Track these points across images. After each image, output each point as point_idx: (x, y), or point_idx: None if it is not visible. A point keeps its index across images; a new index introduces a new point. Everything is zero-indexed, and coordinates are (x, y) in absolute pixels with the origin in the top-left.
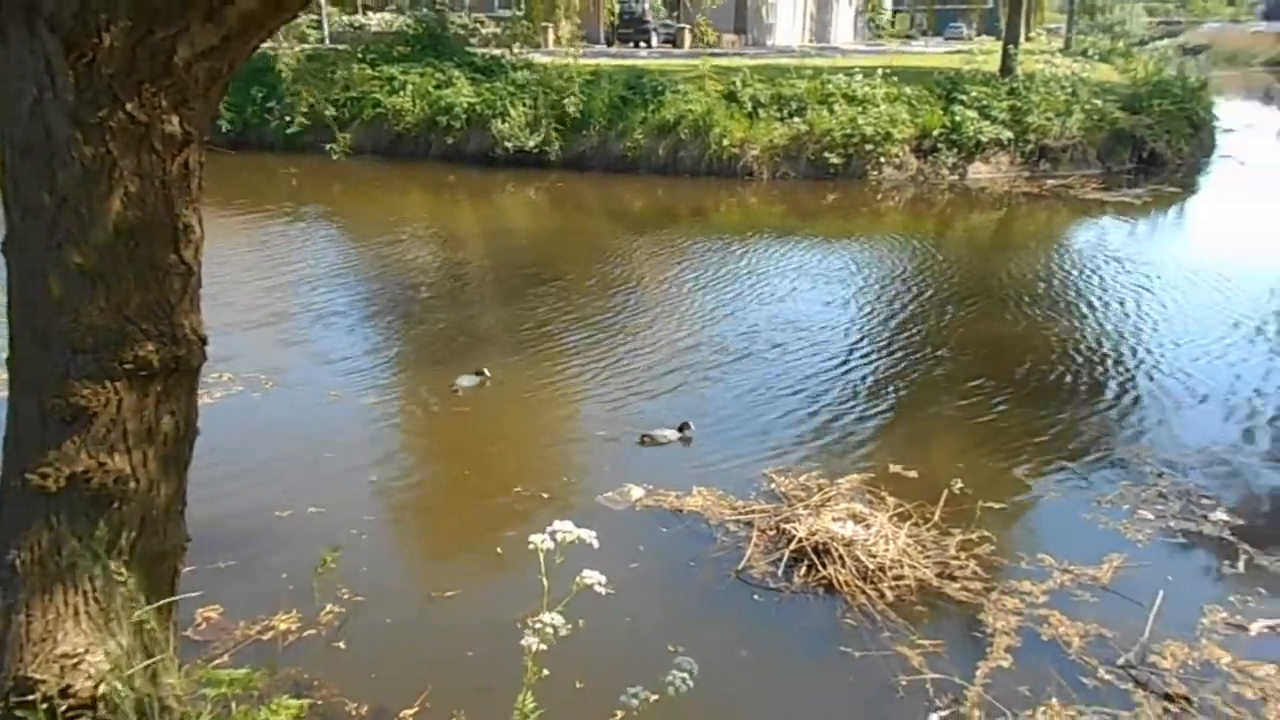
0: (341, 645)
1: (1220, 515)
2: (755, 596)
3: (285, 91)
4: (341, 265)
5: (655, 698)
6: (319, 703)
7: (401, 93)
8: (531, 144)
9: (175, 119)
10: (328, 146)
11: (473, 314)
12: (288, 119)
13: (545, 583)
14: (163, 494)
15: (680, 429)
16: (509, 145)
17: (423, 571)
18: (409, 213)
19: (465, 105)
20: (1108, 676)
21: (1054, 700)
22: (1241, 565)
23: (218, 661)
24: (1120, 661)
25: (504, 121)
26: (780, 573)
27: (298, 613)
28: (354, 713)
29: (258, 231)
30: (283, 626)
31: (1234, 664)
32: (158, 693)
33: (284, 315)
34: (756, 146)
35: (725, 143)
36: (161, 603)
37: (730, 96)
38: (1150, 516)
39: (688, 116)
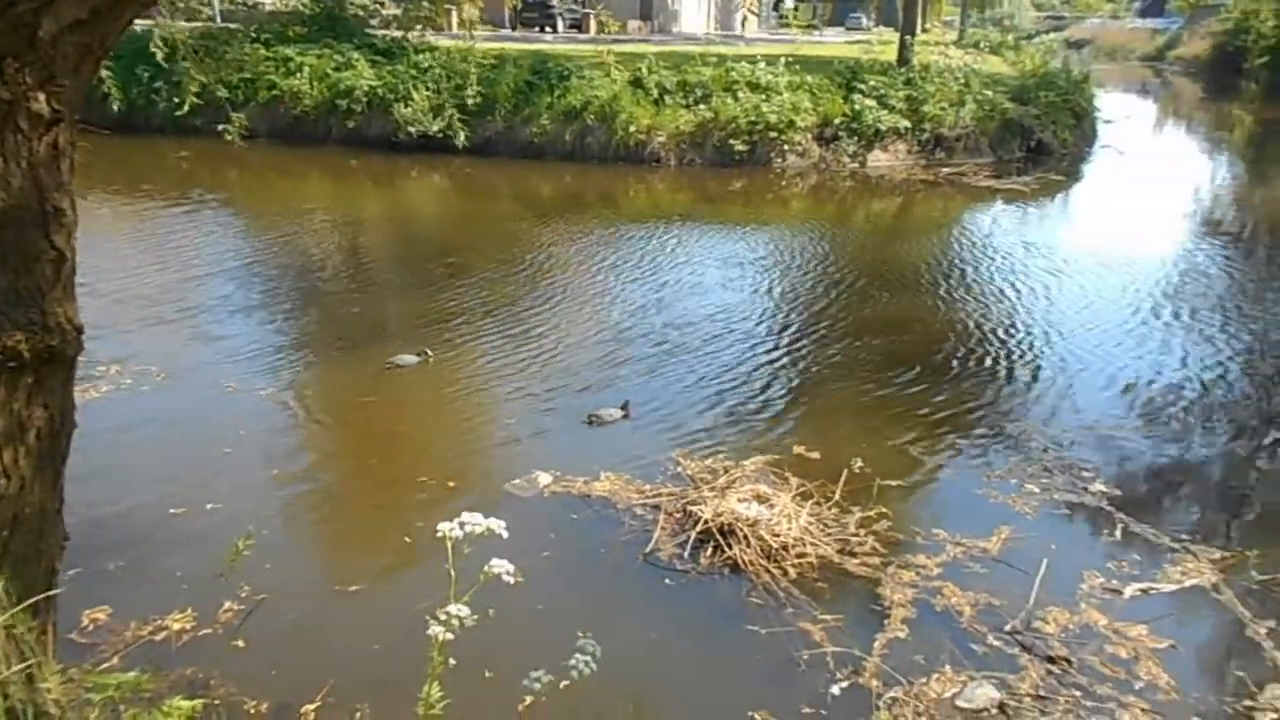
0: (240, 643)
1: (1099, 487)
2: (664, 579)
3: (175, 71)
4: (241, 254)
5: (565, 684)
6: (215, 703)
7: (298, 75)
8: (435, 129)
9: (42, 96)
10: (221, 128)
11: (380, 303)
12: (176, 100)
13: (452, 573)
14: (37, 491)
15: (622, 407)
16: (412, 130)
17: (327, 565)
18: (311, 199)
19: (366, 88)
20: (996, 643)
21: (947, 667)
22: (1118, 533)
23: (105, 664)
24: (1008, 628)
25: (407, 106)
26: (687, 554)
27: (193, 612)
28: (253, 711)
29: (150, 220)
30: (176, 626)
31: (1110, 626)
32: (34, 699)
33: (179, 307)
34: (663, 133)
35: (632, 129)
36: (34, 599)
37: (636, 83)
38: (1036, 490)
39: (594, 102)
